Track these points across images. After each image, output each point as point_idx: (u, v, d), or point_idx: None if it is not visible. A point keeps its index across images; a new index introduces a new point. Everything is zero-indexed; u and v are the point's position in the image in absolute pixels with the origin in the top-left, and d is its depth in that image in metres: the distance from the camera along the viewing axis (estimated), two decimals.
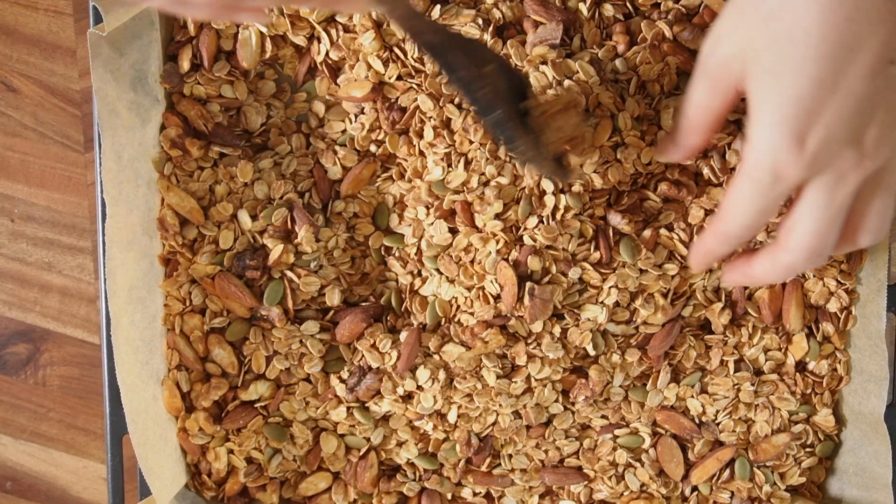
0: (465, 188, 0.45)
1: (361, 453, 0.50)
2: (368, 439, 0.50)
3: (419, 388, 0.48)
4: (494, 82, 0.40)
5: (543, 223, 0.45)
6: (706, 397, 0.50)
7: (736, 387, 0.50)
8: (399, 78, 0.47)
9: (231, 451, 0.49)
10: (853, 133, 0.34)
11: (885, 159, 0.35)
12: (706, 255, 0.43)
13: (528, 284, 0.44)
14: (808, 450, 0.52)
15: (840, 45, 0.32)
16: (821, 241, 0.37)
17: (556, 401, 0.49)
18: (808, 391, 0.51)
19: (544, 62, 0.45)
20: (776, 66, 0.34)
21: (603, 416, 0.50)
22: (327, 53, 0.47)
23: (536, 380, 0.48)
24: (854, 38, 0.32)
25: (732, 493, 0.51)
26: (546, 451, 0.51)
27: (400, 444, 0.50)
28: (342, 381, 0.49)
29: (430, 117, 0.46)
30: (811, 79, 0.33)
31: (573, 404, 0.50)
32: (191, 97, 0.48)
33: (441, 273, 0.47)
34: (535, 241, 0.45)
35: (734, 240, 0.39)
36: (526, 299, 0.44)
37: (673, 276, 0.48)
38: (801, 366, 0.51)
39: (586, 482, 0.51)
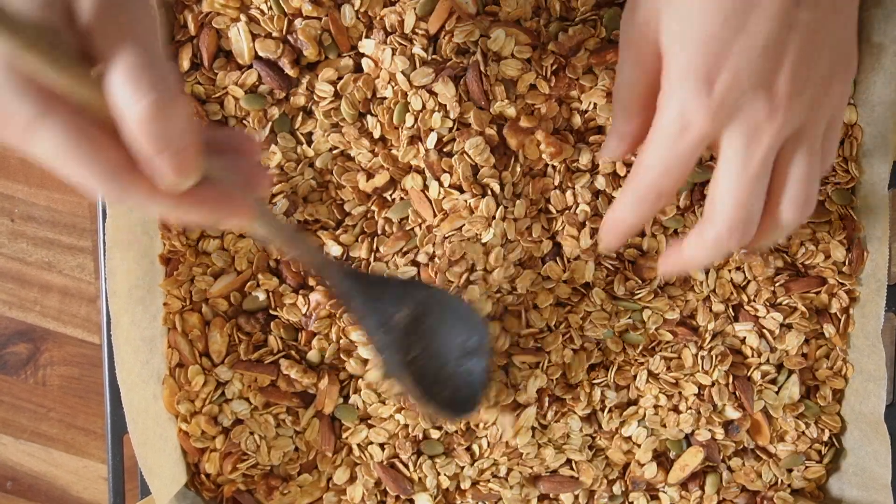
0: None
1: None
2: None
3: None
4: (404, 325, 0.42)
5: None
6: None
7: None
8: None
9: (230, 452, 0.49)
10: (762, 78, 0.33)
11: (802, 116, 0.34)
12: (616, 223, 0.39)
13: None
14: (815, 460, 0.52)
15: None
16: (742, 208, 0.35)
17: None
18: (815, 395, 0.51)
19: None
20: (684, 13, 0.33)
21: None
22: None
23: None
24: None
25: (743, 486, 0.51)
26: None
27: None
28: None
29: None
30: (716, 20, 0.32)
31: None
32: (190, 96, 0.48)
33: None
34: None
35: (643, 203, 0.36)
36: None
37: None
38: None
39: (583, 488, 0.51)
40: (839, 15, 0.34)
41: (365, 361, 0.49)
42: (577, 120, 0.48)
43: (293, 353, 0.49)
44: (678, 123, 0.34)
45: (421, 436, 0.50)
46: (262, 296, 0.49)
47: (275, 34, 0.47)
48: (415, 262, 0.48)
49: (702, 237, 0.36)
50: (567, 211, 0.48)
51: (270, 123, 0.48)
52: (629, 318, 0.49)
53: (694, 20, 0.33)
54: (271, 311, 0.49)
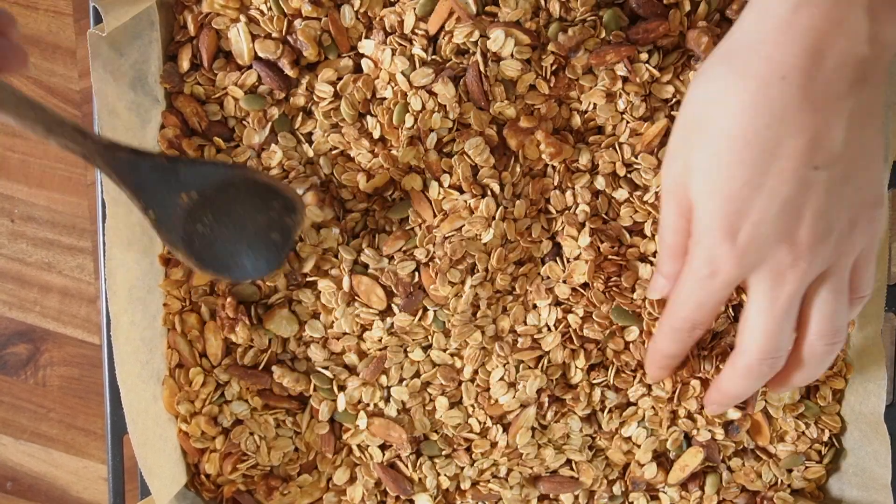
0: None
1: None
2: None
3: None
4: (192, 203, 0.41)
5: None
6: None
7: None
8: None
9: (230, 453, 0.49)
10: (782, 232, 0.36)
11: (825, 262, 0.37)
12: (656, 353, 0.45)
13: None
14: (815, 460, 0.52)
15: (762, 149, 0.35)
16: (771, 340, 0.38)
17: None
18: (815, 395, 0.51)
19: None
20: (710, 171, 0.36)
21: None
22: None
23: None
24: (774, 144, 0.34)
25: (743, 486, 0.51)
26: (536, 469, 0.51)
27: None
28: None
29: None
30: (739, 180, 0.35)
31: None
32: (190, 96, 0.48)
33: None
34: None
35: (679, 333, 0.41)
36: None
37: None
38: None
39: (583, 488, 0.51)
40: (860, 166, 0.36)
41: (351, 368, 0.49)
42: (577, 120, 0.48)
43: (287, 360, 0.50)
44: (708, 268, 0.37)
45: (421, 436, 0.50)
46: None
47: (274, 35, 0.47)
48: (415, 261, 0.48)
49: (734, 367, 0.40)
50: (567, 211, 0.48)
51: (270, 123, 0.48)
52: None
53: (718, 180, 0.36)
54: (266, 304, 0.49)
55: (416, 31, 0.47)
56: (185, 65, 0.47)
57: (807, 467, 0.51)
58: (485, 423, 0.50)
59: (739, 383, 0.41)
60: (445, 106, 0.47)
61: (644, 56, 0.47)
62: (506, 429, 0.50)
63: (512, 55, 0.47)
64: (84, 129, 0.38)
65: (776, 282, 0.37)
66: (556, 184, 0.48)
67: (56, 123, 0.37)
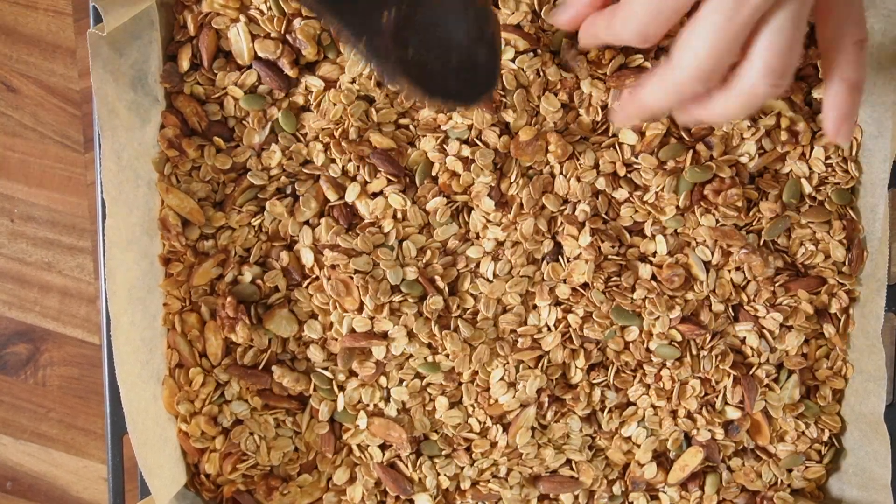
0: None
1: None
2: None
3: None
4: (393, 24, 0.37)
5: None
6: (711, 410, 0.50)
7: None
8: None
9: (230, 453, 0.49)
10: None
11: None
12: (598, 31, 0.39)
13: None
14: (815, 460, 0.52)
15: None
16: (713, 59, 0.33)
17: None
18: (815, 395, 0.51)
19: None
20: None
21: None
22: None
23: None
24: None
25: (742, 486, 0.51)
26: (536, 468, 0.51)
27: None
28: None
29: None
30: None
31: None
32: (190, 96, 0.48)
33: None
34: None
35: (633, 23, 0.35)
36: None
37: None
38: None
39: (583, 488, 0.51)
40: None
41: (353, 373, 0.49)
42: (580, 121, 0.48)
43: (287, 360, 0.50)
44: None
45: (422, 436, 0.50)
46: (249, 276, 0.48)
47: (274, 34, 0.47)
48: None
49: (663, 81, 0.36)
50: (567, 211, 0.48)
51: (270, 123, 0.48)
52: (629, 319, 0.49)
53: None
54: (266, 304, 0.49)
55: None
56: (185, 65, 0.47)
57: (807, 467, 0.51)
58: (485, 422, 0.50)
59: (662, 99, 0.36)
60: None
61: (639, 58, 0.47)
62: (506, 429, 0.50)
63: (512, 59, 0.47)
64: None
65: None
66: (556, 183, 0.48)
67: None
